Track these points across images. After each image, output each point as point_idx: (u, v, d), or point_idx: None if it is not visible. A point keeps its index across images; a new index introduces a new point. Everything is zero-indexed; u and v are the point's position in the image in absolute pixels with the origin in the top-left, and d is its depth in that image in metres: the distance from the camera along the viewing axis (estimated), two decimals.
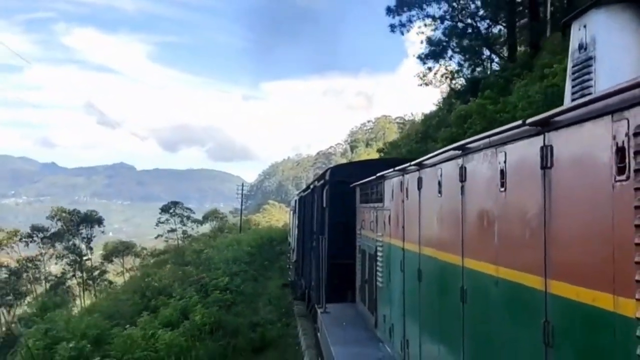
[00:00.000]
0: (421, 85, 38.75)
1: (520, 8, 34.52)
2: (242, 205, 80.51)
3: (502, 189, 4.86)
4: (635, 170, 3.06)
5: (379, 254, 10.71)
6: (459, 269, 5.97)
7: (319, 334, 14.27)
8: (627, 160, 3.14)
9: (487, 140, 5.20)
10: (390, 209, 9.68)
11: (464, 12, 35.35)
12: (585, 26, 5.18)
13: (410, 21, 35.41)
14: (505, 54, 35.99)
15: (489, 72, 35.37)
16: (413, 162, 7.91)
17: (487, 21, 36.03)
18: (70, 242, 53.46)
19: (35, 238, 53.27)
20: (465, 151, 5.81)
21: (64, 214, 54.76)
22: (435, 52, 35.47)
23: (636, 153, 3.06)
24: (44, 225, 53.54)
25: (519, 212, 4.60)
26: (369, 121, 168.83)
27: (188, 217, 62.49)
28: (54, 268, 53.45)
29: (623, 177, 3.17)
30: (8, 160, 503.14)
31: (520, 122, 4.37)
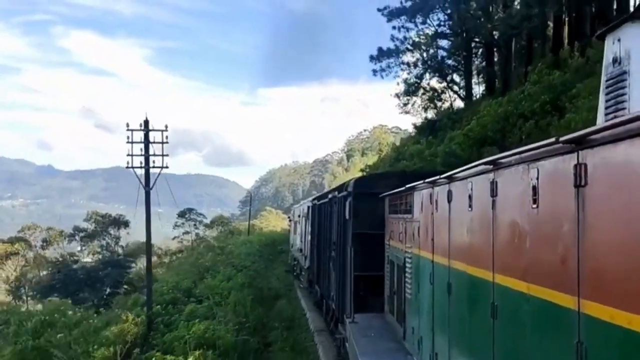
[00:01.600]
0: (401, 113, 47.96)
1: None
2: (250, 211, 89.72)
3: (534, 205, 4.80)
4: None
5: (408, 265, 10.66)
6: (489, 284, 5.91)
7: (347, 344, 14.23)
8: None
9: (519, 156, 5.15)
10: (420, 220, 9.63)
11: (432, 60, 43.95)
12: (619, 40, 5.12)
13: (389, 67, 44.13)
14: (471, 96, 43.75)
15: (449, 112, 43.26)
16: (443, 175, 7.87)
17: (452, 67, 44.48)
18: (104, 241, 61.08)
19: (76, 237, 61.41)
20: (496, 166, 5.76)
21: (97, 217, 62.29)
22: (408, 90, 44.93)
23: None
24: (82, 226, 62.11)
25: (552, 229, 4.53)
26: (365, 130, 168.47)
27: (201, 222, 71.30)
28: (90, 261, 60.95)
29: None
30: (4, 163, 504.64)
31: (553, 139, 4.32)
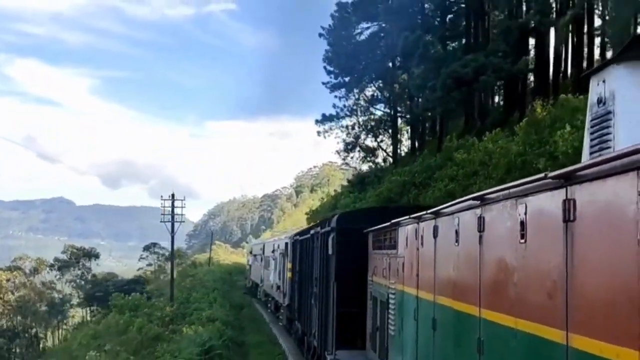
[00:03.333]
0: (342, 165, 59.78)
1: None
2: (211, 246, 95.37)
3: (522, 241, 4.87)
4: None
5: (391, 301, 10.64)
6: (475, 320, 5.94)
7: None
8: None
9: (507, 191, 5.23)
10: (404, 256, 9.66)
11: (366, 124, 53.80)
12: (604, 81, 5.26)
13: (330, 129, 53.93)
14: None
15: (376, 170, 52.05)
16: (429, 211, 7.93)
17: (383, 129, 54.06)
18: (80, 271, 69.01)
19: (55, 266, 69.19)
20: (484, 201, 5.83)
21: (73, 250, 70.61)
22: (347, 148, 54.48)
23: None
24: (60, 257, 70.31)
25: (540, 264, 4.60)
26: (315, 166, 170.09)
27: (163, 255, 78.60)
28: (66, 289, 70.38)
29: None
30: None
31: (542, 174, 4.41)
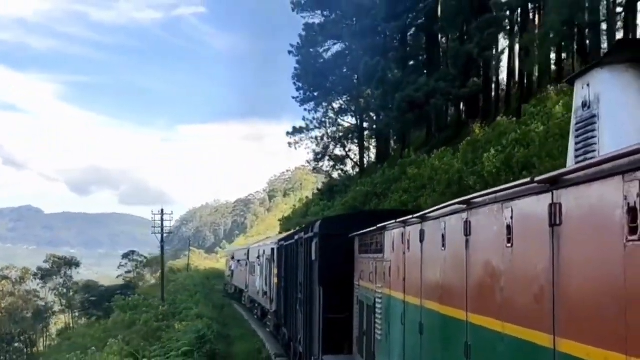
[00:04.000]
0: (313, 171, 65.97)
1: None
2: (189, 253, 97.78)
3: (509, 245, 4.87)
4: None
5: (378, 305, 10.62)
6: (463, 324, 5.94)
7: None
8: (639, 221, 3.16)
9: (493, 195, 5.24)
10: (391, 260, 9.65)
11: (335, 135, 57.98)
12: (588, 84, 5.28)
13: (301, 140, 58.05)
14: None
15: (344, 179, 56.05)
16: (416, 215, 7.93)
17: (351, 139, 58.26)
18: (62, 279, 72.50)
19: (38, 275, 72.71)
20: (470, 205, 5.84)
21: (55, 259, 74.36)
22: (317, 158, 58.77)
23: None
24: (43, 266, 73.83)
25: (527, 267, 4.60)
26: (287, 170, 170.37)
27: (141, 262, 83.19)
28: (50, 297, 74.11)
29: (635, 237, 3.18)
30: None
31: (529, 179, 4.42)
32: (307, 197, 74.99)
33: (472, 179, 22.54)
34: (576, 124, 5.45)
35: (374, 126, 52.88)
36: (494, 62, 37.75)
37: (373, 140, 58.35)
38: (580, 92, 5.40)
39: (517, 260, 4.77)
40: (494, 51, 36.71)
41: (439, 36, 45.31)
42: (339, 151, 59.02)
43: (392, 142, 55.12)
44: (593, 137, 5.17)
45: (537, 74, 35.18)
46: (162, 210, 50.66)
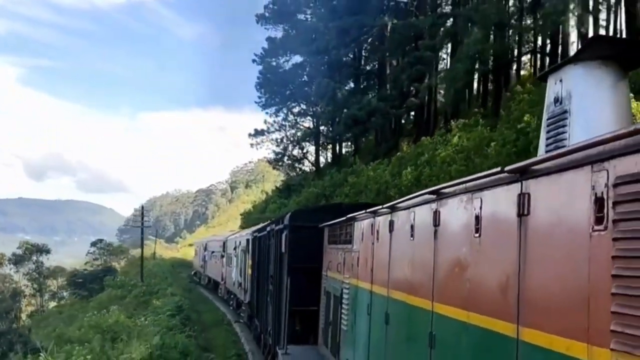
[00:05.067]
0: (275, 169, 70.49)
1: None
2: (156, 242, 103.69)
3: (477, 235, 4.89)
4: (614, 221, 3.11)
5: (345, 296, 10.63)
6: (428, 314, 5.96)
7: None
8: (605, 211, 3.19)
9: (462, 186, 5.25)
10: (359, 250, 9.65)
11: (292, 138, 62.80)
12: (561, 80, 5.30)
13: (262, 141, 62.87)
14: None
15: (300, 178, 60.83)
16: (385, 205, 7.93)
17: (306, 142, 63.16)
18: (34, 265, 77.56)
19: (11, 261, 77.87)
20: (440, 196, 5.85)
21: (27, 246, 79.50)
22: (277, 159, 63.48)
23: (615, 203, 3.11)
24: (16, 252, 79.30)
25: (494, 258, 4.62)
26: (250, 162, 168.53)
27: (108, 250, 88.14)
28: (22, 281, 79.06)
29: (601, 227, 3.21)
30: None
31: (498, 169, 4.43)
32: (267, 193, 78.47)
33: (393, 190, 26.64)
34: (548, 119, 5.47)
35: (329, 132, 59.30)
36: (419, 93, 42.60)
37: (329, 143, 63.98)
38: (553, 87, 5.43)
39: (485, 250, 4.79)
40: (426, 80, 41.34)
41: (385, 60, 51.04)
42: (297, 152, 64.38)
43: (344, 145, 62.65)
44: (564, 132, 5.20)
45: (450, 105, 39.89)
46: (143, 207, 61.75)
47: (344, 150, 62.19)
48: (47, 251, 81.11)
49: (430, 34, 40.63)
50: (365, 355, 8.86)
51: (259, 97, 61.58)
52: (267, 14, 62.01)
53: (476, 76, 39.18)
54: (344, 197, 34.94)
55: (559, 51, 32.63)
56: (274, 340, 17.00)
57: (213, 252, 46.63)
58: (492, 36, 33.93)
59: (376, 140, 52.78)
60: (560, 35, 32.14)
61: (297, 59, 61.02)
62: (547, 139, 5.43)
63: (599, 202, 3.23)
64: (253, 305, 24.76)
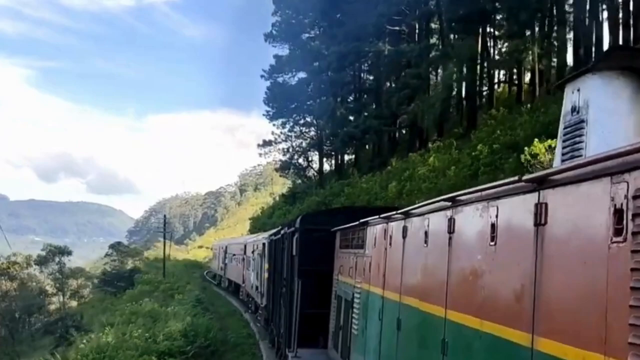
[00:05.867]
0: (282, 176, 77.85)
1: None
2: (165, 240, 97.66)
3: (492, 243, 4.88)
4: (633, 233, 3.10)
5: (356, 300, 10.64)
6: (441, 321, 5.95)
7: None
8: (624, 222, 3.18)
9: (478, 194, 5.25)
10: (372, 255, 9.66)
11: (298, 148, 68.16)
12: (579, 90, 5.29)
13: (270, 151, 69.41)
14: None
15: (305, 186, 65.52)
16: (399, 211, 7.94)
17: (311, 152, 68.62)
18: (57, 265, 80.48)
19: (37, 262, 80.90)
20: (455, 203, 5.85)
21: (51, 247, 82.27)
22: (283, 166, 69.53)
23: (635, 215, 3.11)
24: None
25: (509, 266, 4.62)
26: (259, 165, 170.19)
27: (125, 252, 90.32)
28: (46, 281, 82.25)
29: (620, 238, 3.21)
30: None
31: (516, 177, 4.43)
32: (275, 199, 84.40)
33: (381, 202, 29.76)
34: (564, 128, 5.46)
35: (331, 145, 64.83)
36: (405, 115, 48.16)
37: (332, 152, 68.99)
38: (570, 96, 5.42)
39: (500, 259, 4.78)
40: (413, 103, 45.35)
41: (381, 81, 56.53)
42: (302, 161, 69.60)
43: (346, 155, 67.14)
44: (580, 141, 5.18)
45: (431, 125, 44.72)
46: (165, 217, 70.60)
47: (346, 158, 66.37)
48: (69, 253, 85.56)
49: (416, 63, 45.72)
50: None
51: (267, 111, 67.36)
52: (274, 32, 67.89)
53: (454, 102, 45.32)
54: (340, 205, 38.17)
55: (525, 80, 39.73)
56: (284, 343, 17.01)
57: (234, 254, 46.95)
58: (464, 70, 40.32)
59: (373, 153, 58.20)
60: (522, 68, 38.58)
61: (302, 74, 66.23)
62: (564, 147, 5.42)
63: (618, 214, 3.23)
64: (269, 309, 24.73)
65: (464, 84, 42.67)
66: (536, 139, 19.20)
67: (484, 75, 42.19)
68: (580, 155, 5.10)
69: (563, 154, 5.41)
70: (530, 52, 34.90)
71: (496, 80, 43.74)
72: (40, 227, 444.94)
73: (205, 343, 24.64)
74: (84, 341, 25.42)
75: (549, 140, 17.48)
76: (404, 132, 54.78)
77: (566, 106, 5.50)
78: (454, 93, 43.03)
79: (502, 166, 23.13)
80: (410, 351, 7.19)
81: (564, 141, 5.46)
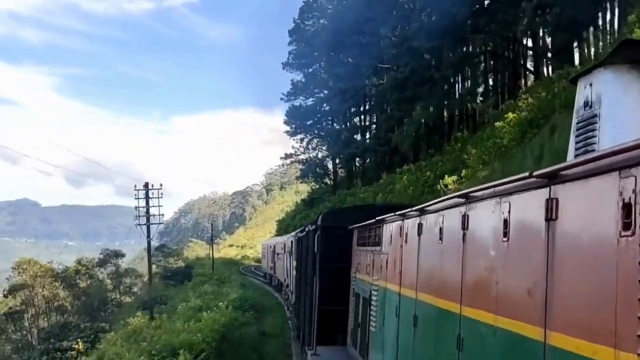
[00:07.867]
0: (302, 182, 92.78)
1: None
2: (212, 243, 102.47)
3: (505, 239, 4.91)
4: None
5: (374, 297, 10.69)
6: (456, 317, 5.98)
7: None
8: (633, 217, 3.20)
9: (491, 190, 5.27)
10: (388, 253, 9.70)
11: (315, 159, 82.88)
12: (591, 84, 5.29)
13: (291, 162, 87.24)
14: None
15: (322, 193, 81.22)
16: (414, 208, 7.97)
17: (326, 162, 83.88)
18: (113, 267, 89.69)
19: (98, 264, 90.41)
20: (468, 199, 5.88)
21: (107, 252, 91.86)
22: (302, 175, 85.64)
23: None
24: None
25: (521, 262, 4.64)
26: (284, 164, 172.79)
27: (169, 254, 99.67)
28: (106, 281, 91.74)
29: (629, 232, 3.22)
30: None
31: (527, 173, 4.45)
32: (297, 203, 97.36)
33: None
34: (577, 122, 5.46)
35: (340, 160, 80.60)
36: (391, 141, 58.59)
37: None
38: (583, 91, 5.42)
39: (513, 254, 4.81)
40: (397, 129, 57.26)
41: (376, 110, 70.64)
42: (319, 170, 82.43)
43: (354, 167, 79.50)
44: (593, 136, 5.18)
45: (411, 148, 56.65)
46: (212, 225, 79.15)
47: (353, 171, 78.21)
48: (122, 255, 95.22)
49: (396, 100, 55.72)
50: (393, 357, 8.90)
51: (287, 130, 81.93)
52: (290, 61, 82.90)
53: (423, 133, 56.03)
54: None
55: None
56: (304, 340, 17.10)
57: (279, 253, 47.14)
58: (431, 109, 50.44)
59: (373, 167, 69.56)
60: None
61: (316, 95, 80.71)
62: (577, 142, 5.42)
63: (627, 208, 3.25)
64: (297, 307, 24.91)
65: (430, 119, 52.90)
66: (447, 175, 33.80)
67: (445, 114, 53.66)
68: (593, 150, 5.10)
69: (576, 149, 5.41)
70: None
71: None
72: (72, 231, 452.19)
73: (253, 303, 38.77)
74: (179, 306, 38.41)
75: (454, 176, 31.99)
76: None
77: (579, 101, 5.50)
78: (422, 127, 53.31)
79: (433, 189, 34.50)
80: (427, 347, 7.23)
81: (577, 136, 5.46)
